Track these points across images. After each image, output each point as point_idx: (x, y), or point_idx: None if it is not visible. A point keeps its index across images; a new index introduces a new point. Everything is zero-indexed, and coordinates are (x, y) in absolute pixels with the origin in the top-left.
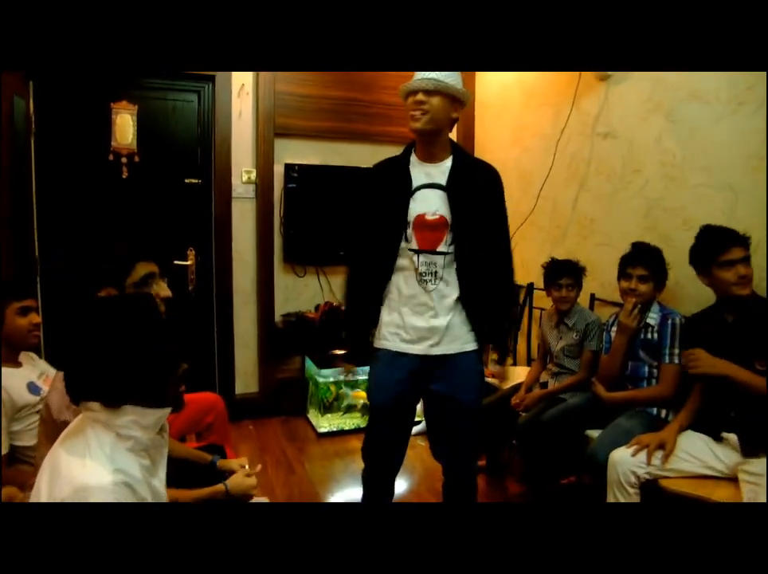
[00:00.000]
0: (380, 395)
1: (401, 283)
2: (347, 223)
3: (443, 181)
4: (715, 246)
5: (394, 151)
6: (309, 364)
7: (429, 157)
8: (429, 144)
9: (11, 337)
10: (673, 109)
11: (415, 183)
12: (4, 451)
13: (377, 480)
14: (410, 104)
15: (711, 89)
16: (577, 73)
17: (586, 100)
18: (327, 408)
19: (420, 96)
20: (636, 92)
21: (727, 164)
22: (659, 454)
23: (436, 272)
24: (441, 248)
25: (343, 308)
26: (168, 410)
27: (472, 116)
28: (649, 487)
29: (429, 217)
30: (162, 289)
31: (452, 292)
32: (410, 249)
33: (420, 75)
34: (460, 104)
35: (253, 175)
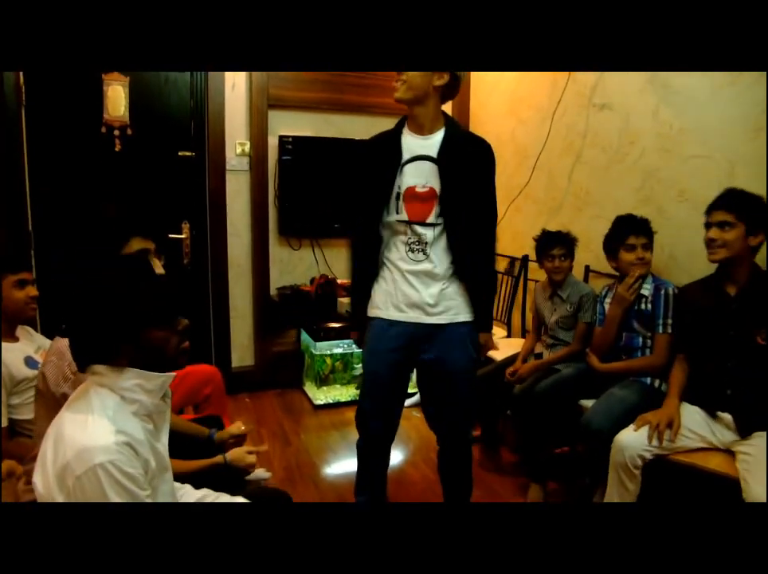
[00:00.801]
0: (373, 363)
1: (393, 254)
2: (344, 197)
3: (434, 153)
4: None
5: (389, 122)
6: (305, 337)
7: (419, 129)
8: (416, 115)
9: (8, 310)
10: (670, 80)
11: (405, 156)
12: (3, 424)
13: (371, 448)
14: (394, 79)
15: None
16: None
17: (583, 72)
18: (322, 381)
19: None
20: None
21: (724, 135)
22: (666, 432)
23: (426, 243)
24: (430, 220)
25: (342, 281)
26: (172, 375)
27: (467, 88)
28: (651, 463)
29: (419, 189)
30: (157, 267)
31: (442, 263)
32: (400, 221)
33: None
34: (441, 72)
35: (247, 148)
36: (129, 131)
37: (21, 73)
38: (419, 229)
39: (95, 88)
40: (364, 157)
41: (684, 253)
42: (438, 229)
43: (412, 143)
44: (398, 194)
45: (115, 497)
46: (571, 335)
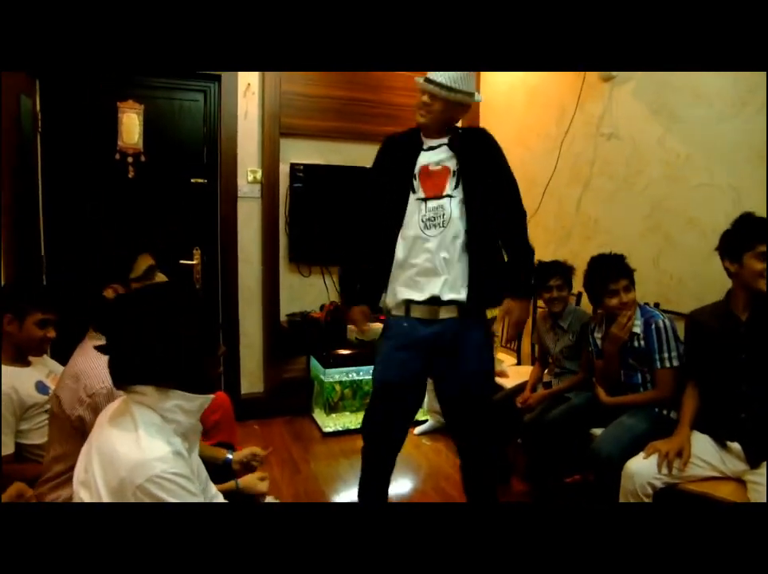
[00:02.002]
0: (387, 373)
1: (409, 237)
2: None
3: (446, 140)
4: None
5: None
6: (314, 364)
7: (434, 137)
8: (431, 132)
9: (21, 343)
10: (677, 110)
11: (424, 146)
12: (9, 451)
13: (375, 455)
14: (418, 100)
15: (714, 91)
16: (581, 75)
17: (590, 101)
18: (332, 408)
19: (425, 98)
20: (640, 93)
21: (730, 164)
22: (676, 461)
23: (443, 215)
24: (447, 191)
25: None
26: (210, 397)
27: (476, 117)
28: (661, 492)
29: (431, 167)
30: (162, 280)
31: (459, 236)
32: (418, 199)
33: (430, 76)
34: (463, 107)
35: (259, 175)
36: (143, 158)
37: (37, 100)
38: (436, 202)
39: (109, 115)
40: (383, 150)
41: (692, 279)
42: (455, 200)
43: (427, 140)
44: (414, 174)
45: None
46: (577, 364)
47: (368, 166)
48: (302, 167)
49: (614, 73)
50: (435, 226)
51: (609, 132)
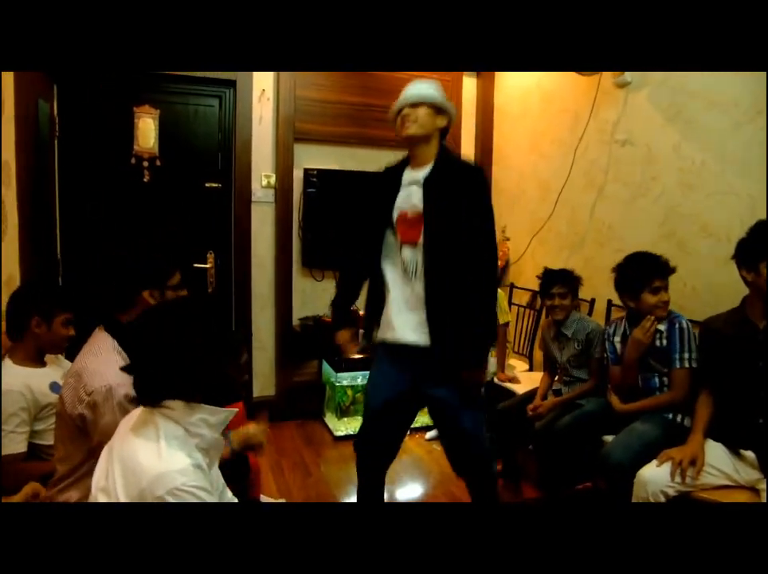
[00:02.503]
0: (375, 396)
1: (390, 278)
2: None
3: (422, 178)
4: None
5: None
6: (326, 368)
7: (419, 162)
8: (418, 153)
9: (47, 344)
10: (692, 117)
11: (402, 185)
12: (21, 449)
13: (368, 470)
14: (399, 121)
15: (730, 97)
16: (596, 81)
17: (605, 108)
18: (343, 412)
19: (405, 111)
20: (655, 99)
21: (746, 172)
22: (689, 469)
23: (416, 263)
24: (420, 240)
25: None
26: (234, 411)
27: (490, 123)
28: (674, 500)
29: (409, 214)
30: (182, 292)
31: (430, 285)
32: (395, 245)
33: (403, 94)
34: (444, 113)
35: (273, 180)
36: (158, 163)
37: (55, 104)
38: (410, 250)
39: (126, 119)
40: (371, 187)
41: (706, 287)
42: (424, 249)
43: (408, 175)
44: (394, 220)
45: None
46: (584, 372)
47: (381, 171)
48: (315, 172)
49: (629, 79)
50: (411, 273)
51: (624, 139)
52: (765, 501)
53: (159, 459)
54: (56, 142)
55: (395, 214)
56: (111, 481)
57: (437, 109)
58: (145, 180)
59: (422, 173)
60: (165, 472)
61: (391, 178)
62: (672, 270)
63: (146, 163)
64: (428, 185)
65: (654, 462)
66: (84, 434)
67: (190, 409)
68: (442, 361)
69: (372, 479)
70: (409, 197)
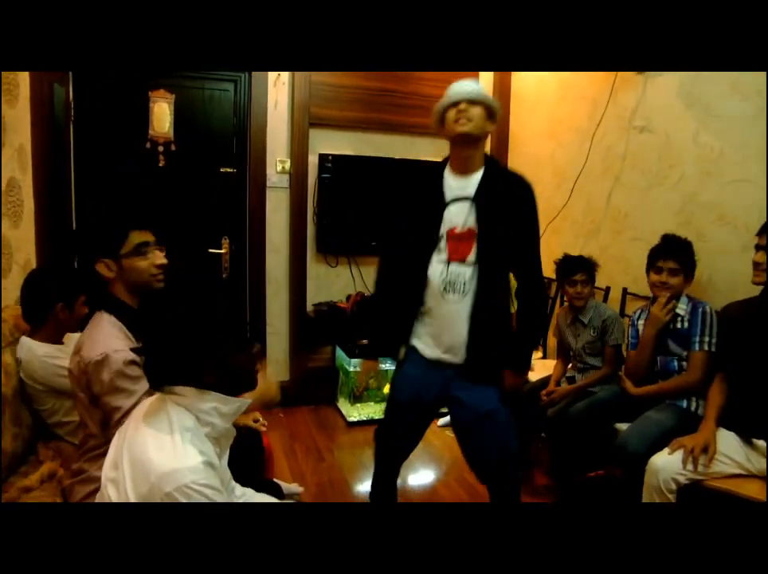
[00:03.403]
0: (402, 390)
1: (430, 295)
2: (381, 224)
3: (472, 193)
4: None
5: (427, 142)
6: (340, 354)
7: (463, 169)
8: (466, 155)
9: (70, 325)
10: (712, 103)
11: (448, 197)
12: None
13: (385, 459)
14: (452, 115)
15: (751, 84)
16: None
17: (623, 94)
18: (356, 397)
19: (463, 106)
20: (675, 86)
21: (764, 159)
22: (701, 457)
23: (464, 282)
24: (471, 258)
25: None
26: (247, 402)
27: (507, 110)
28: (686, 489)
29: (458, 230)
30: (158, 258)
31: (478, 302)
32: (440, 261)
33: (462, 88)
34: (493, 119)
35: (288, 165)
36: (173, 147)
37: (70, 89)
38: (458, 267)
39: (141, 104)
40: (406, 195)
41: (723, 276)
42: (476, 268)
43: (453, 183)
44: (440, 235)
45: None
46: (599, 359)
47: (396, 157)
48: (330, 157)
49: None
50: (455, 292)
51: (642, 125)
52: None
53: (171, 455)
54: (71, 127)
55: (443, 229)
56: (120, 473)
57: (490, 113)
58: (160, 165)
59: (471, 184)
60: (176, 469)
61: (432, 185)
62: (684, 255)
63: (161, 148)
64: (479, 200)
65: (666, 450)
66: (96, 405)
67: (201, 396)
68: (477, 378)
69: (388, 467)
70: (461, 212)
